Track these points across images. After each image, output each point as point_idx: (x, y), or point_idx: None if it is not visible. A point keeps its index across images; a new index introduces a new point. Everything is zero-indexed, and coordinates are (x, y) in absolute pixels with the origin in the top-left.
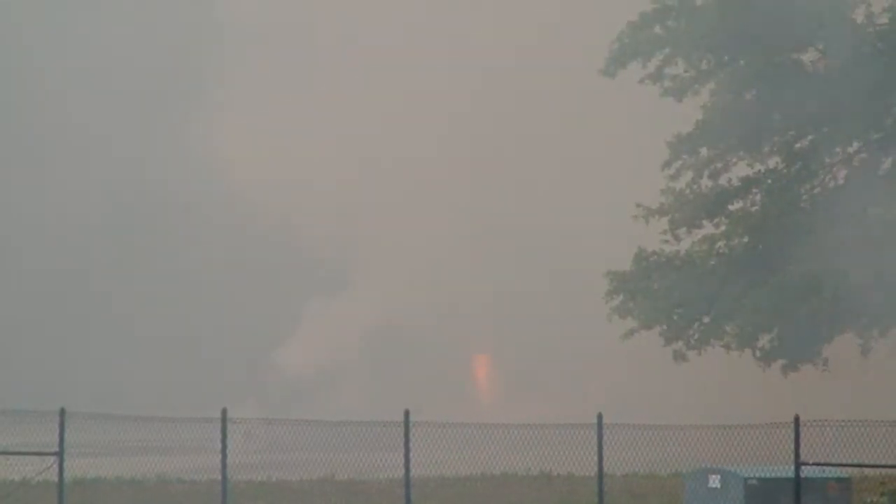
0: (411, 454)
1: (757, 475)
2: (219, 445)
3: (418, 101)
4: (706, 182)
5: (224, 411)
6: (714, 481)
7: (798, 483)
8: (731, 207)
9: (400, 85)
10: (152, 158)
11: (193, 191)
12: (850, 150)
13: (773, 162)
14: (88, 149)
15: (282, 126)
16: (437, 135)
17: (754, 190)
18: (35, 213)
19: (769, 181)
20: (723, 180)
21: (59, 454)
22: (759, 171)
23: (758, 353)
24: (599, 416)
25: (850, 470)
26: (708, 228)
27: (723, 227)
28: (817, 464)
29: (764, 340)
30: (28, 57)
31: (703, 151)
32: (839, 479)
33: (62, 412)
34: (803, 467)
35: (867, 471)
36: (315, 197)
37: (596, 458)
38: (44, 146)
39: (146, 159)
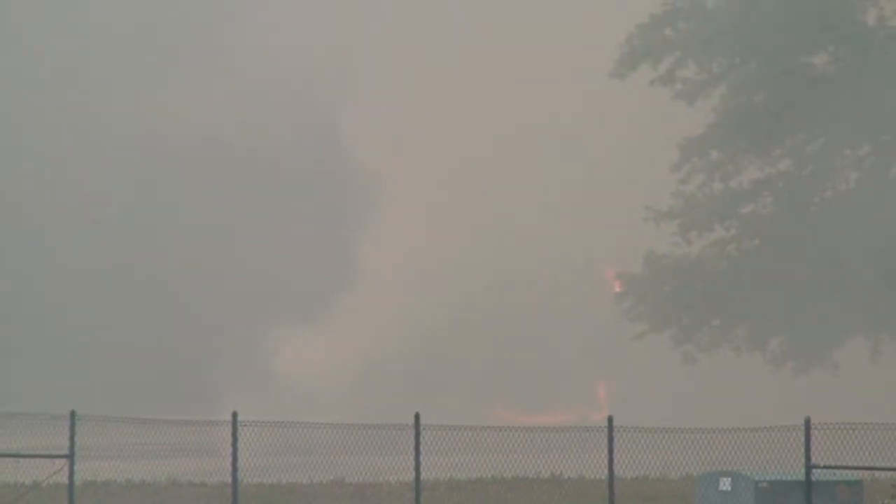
0: (422, 457)
1: (768, 478)
2: (229, 448)
3: (417, 102)
4: (717, 185)
5: (234, 414)
6: (725, 484)
7: (809, 486)
8: (742, 210)
9: (399, 87)
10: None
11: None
12: (861, 153)
13: (783, 165)
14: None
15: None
16: (439, 134)
17: (765, 193)
18: (37, 214)
19: (780, 184)
20: (734, 183)
21: (70, 457)
22: (770, 174)
23: (768, 356)
24: (610, 419)
25: (861, 473)
26: (719, 231)
27: (733, 231)
28: (828, 467)
29: (774, 343)
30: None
31: (714, 154)
32: (850, 483)
33: (73, 415)
34: (814, 470)
35: (878, 473)
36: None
37: (606, 461)
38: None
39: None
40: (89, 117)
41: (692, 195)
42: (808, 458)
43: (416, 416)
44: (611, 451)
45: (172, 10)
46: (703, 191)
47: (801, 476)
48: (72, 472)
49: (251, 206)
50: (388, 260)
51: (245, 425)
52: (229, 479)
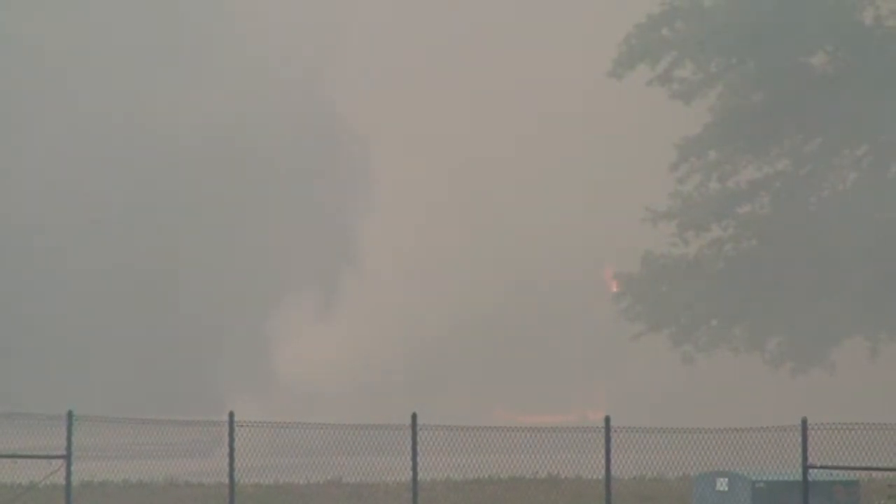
0: (419, 457)
1: (765, 478)
2: (226, 448)
3: (416, 101)
4: (714, 185)
5: (231, 414)
6: (722, 484)
7: (806, 486)
8: (739, 210)
9: (399, 88)
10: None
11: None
12: (859, 153)
13: (781, 164)
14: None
15: None
16: (438, 134)
17: (762, 193)
18: (36, 213)
19: (777, 184)
20: (731, 183)
21: (67, 457)
22: (768, 173)
23: (766, 356)
24: (607, 419)
25: (857, 473)
26: (716, 231)
27: (731, 230)
28: (825, 467)
29: (772, 343)
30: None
31: (712, 154)
32: (847, 483)
33: (70, 415)
34: (811, 470)
35: (875, 474)
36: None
37: (604, 462)
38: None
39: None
40: (88, 117)
41: (689, 195)
42: (804, 458)
43: (413, 417)
44: (608, 451)
45: (172, 8)
46: (701, 191)
47: (798, 476)
48: (69, 473)
49: (251, 205)
50: (389, 260)
51: (242, 426)
52: (226, 480)
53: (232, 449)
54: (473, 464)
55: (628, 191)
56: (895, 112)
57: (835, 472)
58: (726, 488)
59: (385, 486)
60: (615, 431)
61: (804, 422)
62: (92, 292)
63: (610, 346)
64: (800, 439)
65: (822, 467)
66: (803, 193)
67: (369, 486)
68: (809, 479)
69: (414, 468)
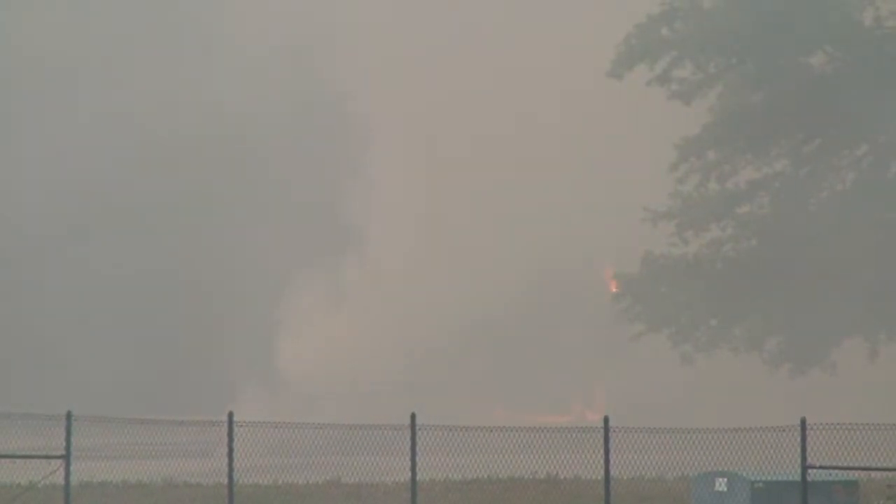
0: (418, 457)
1: (764, 479)
2: (225, 448)
3: (415, 101)
4: (714, 185)
5: (230, 414)
6: (721, 485)
7: (805, 486)
8: (739, 210)
9: (400, 86)
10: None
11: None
12: (859, 153)
13: (781, 165)
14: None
15: None
16: (438, 134)
17: (762, 193)
18: (38, 212)
19: (777, 184)
20: (730, 183)
21: (66, 457)
22: (767, 174)
23: (765, 356)
24: (606, 420)
25: (857, 473)
26: (716, 231)
27: (730, 230)
28: (824, 467)
29: (772, 343)
30: None
31: (711, 154)
32: (846, 483)
33: (69, 415)
34: (810, 470)
35: (874, 474)
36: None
37: (603, 462)
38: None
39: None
40: (88, 117)
41: (689, 195)
42: (804, 458)
43: (413, 417)
44: (607, 451)
45: (172, 7)
46: (700, 191)
47: (797, 476)
48: (68, 473)
49: (251, 205)
50: (389, 261)
51: (241, 426)
52: (225, 480)
53: (231, 449)
54: (473, 464)
55: (628, 191)
56: (895, 112)
57: (834, 472)
58: (725, 488)
59: (384, 486)
60: (614, 432)
61: (803, 422)
62: (92, 292)
63: (610, 346)
64: (799, 439)
65: (821, 467)
66: (803, 193)
67: (368, 486)
68: (809, 479)
69: (413, 468)
